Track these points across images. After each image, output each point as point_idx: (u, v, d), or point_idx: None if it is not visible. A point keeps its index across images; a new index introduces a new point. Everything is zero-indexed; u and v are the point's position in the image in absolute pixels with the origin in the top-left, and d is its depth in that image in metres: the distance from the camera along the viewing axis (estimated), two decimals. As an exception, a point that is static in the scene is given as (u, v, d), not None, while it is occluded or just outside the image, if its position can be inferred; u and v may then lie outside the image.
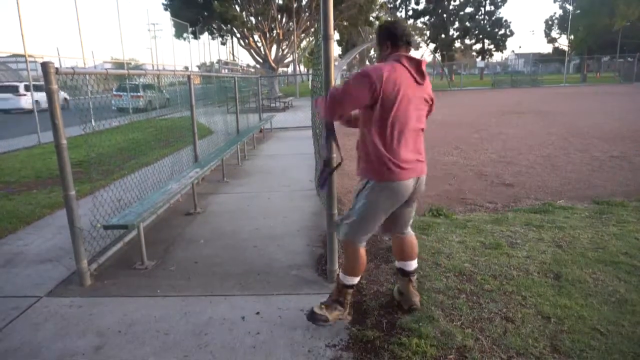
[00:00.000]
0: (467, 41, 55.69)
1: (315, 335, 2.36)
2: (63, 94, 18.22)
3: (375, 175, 2.26)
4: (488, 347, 2.20)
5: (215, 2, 23.16)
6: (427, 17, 54.60)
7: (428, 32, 55.22)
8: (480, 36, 53.83)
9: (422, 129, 2.32)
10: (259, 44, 28.27)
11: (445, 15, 52.77)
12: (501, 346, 2.20)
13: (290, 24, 27.10)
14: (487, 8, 53.15)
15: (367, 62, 51.69)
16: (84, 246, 3.08)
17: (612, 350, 2.14)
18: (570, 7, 46.10)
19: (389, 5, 51.53)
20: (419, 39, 55.47)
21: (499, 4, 52.50)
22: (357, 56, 37.45)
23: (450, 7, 52.88)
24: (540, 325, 2.36)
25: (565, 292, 2.69)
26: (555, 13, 70.92)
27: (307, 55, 43.14)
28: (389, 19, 50.16)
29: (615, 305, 2.53)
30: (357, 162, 2.37)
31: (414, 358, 2.13)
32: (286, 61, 31.23)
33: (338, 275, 2.54)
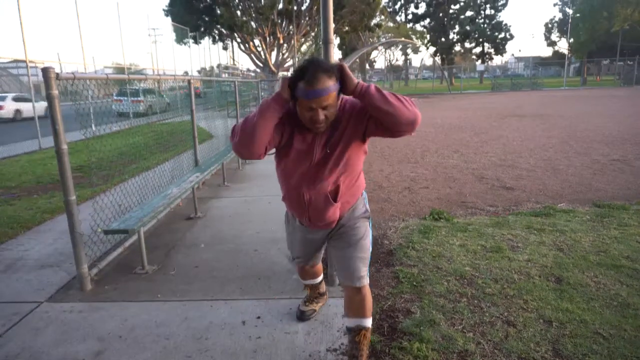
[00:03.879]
0: (467, 45, 55.85)
1: (316, 340, 2.36)
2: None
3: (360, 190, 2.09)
4: (489, 351, 2.19)
5: (220, 9, 23.28)
6: (427, 21, 54.80)
7: (428, 36, 55.36)
8: (480, 40, 53.96)
9: None
10: (259, 49, 28.37)
11: (445, 19, 52.94)
12: (503, 350, 2.19)
13: (291, 27, 27.19)
14: (487, 12, 53.33)
15: (367, 66, 51.78)
16: (85, 251, 3.07)
17: (614, 355, 2.13)
18: (570, 11, 46.29)
19: (389, 10, 51.71)
20: (419, 43, 55.60)
21: (499, 7, 52.67)
22: (357, 60, 37.56)
23: (451, 10, 53.06)
24: (542, 329, 2.35)
25: (567, 296, 2.68)
26: (555, 16, 71.18)
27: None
28: (390, 23, 50.38)
29: (617, 309, 2.52)
30: (336, 211, 1.97)
31: (415, 362, 2.12)
32: (286, 65, 31.31)
33: (364, 330, 2.07)
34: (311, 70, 1.67)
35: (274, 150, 1.96)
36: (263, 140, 1.79)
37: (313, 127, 1.79)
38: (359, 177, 2.03)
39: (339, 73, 1.73)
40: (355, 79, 1.74)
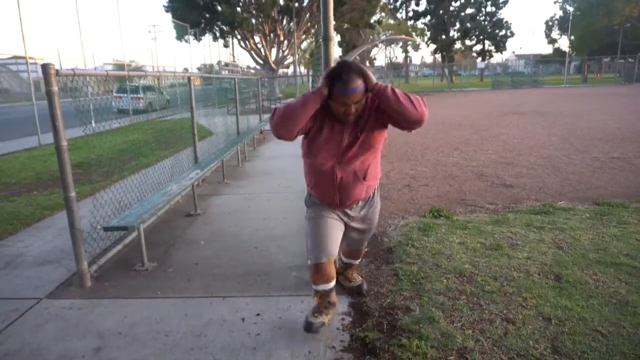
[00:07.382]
0: (467, 42, 55.68)
1: (315, 337, 2.36)
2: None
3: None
4: (489, 348, 2.20)
5: (220, 6, 23.24)
6: (427, 18, 54.67)
7: (428, 33, 55.23)
8: (481, 37, 53.82)
9: None
10: (260, 46, 28.33)
11: (445, 16, 52.80)
12: (502, 347, 2.20)
13: (291, 24, 27.13)
14: (488, 9, 53.20)
15: (367, 63, 51.63)
16: (84, 248, 3.08)
17: (613, 352, 2.13)
18: (570, 8, 46.16)
19: (389, 7, 51.58)
20: (419, 40, 55.50)
21: (500, 5, 52.53)
22: (357, 57, 37.49)
23: (451, 8, 52.91)
24: (541, 327, 2.36)
25: (566, 294, 2.68)
26: (555, 14, 71.09)
27: (307, 56, 43.16)
28: (390, 21, 50.27)
29: (616, 307, 2.52)
30: (363, 190, 2.36)
31: (414, 359, 2.13)
32: (286, 62, 31.27)
33: (362, 284, 2.88)
34: (345, 72, 2.01)
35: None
36: (300, 125, 2.12)
37: (345, 119, 2.15)
38: (379, 161, 2.38)
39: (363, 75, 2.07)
40: (374, 79, 2.07)
